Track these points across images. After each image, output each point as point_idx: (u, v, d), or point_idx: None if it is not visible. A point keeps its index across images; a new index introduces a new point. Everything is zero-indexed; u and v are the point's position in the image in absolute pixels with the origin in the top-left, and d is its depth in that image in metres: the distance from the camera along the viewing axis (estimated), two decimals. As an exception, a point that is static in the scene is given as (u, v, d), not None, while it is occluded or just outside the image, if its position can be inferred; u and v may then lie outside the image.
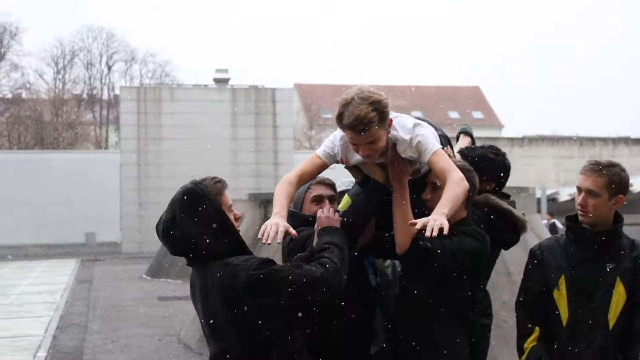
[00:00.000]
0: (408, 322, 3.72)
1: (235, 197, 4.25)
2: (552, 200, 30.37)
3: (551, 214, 27.14)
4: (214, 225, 3.27)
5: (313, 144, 44.01)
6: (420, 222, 3.15)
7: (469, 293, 3.70)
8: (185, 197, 3.34)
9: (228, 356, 3.31)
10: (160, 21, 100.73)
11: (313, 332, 3.56)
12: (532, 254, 3.81)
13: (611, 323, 3.34)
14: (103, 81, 64.01)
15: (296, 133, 35.74)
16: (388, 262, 4.03)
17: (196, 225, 3.26)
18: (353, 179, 4.02)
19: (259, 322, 3.24)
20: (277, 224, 3.22)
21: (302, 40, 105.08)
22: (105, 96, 62.96)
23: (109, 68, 63.92)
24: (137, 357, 10.48)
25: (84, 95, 63.05)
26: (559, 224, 24.92)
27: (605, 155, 41.50)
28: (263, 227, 3.24)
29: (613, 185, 3.41)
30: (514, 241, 4.14)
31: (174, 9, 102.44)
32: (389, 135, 3.42)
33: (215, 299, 3.25)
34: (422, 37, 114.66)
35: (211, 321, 3.37)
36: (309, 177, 3.64)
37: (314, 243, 3.48)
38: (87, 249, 31.91)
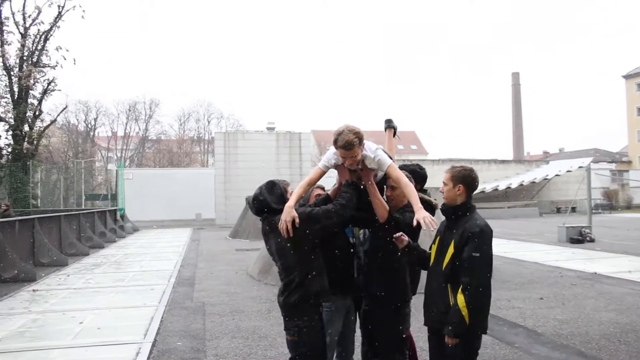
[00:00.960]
0: (373, 265, 3.64)
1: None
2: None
3: None
4: (280, 197, 3.48)
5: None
6: (419, 220, 3.16)
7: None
8: (268, 183, 3.56)
9: (293, 276, 3.38)
10: (236, 93, 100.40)
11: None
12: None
13: (444, 265, 3.27)
14: (205, 129, 64.17)
15: (312, 158, 35.75)
16: (361, 230, 3.85)
17: (271, 196, 3.48)
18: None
19: (311, 241, 3.36)
20: (286, 220, 3.27)
21: (317, 104, 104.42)
22: (206, 137, 62.98)
23: (209, 122, 64.04)
24: (224, 282, 10.50)
25: (195, 137, 63.27)
26: None
27: (483, 169, 41.47)
28: (280, 223, 3.30)
29: (455, 180, 3.36)
30: (432, 215, 3.64)
31: (245, 87, 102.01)
32: (362, 153, 3.39)
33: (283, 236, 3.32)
34: (382, 95, 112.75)
35: (283, 255, 3.42)
36: (315, 181, 3.58)
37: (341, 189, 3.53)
38: (196, 222, 32.03)
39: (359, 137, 3.30)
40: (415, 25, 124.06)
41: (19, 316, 7.61)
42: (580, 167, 36.81)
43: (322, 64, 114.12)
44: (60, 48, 32.23)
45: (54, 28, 32.18)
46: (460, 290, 3.15)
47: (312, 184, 3.59)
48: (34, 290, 9.77)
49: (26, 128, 31.88)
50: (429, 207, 3.79)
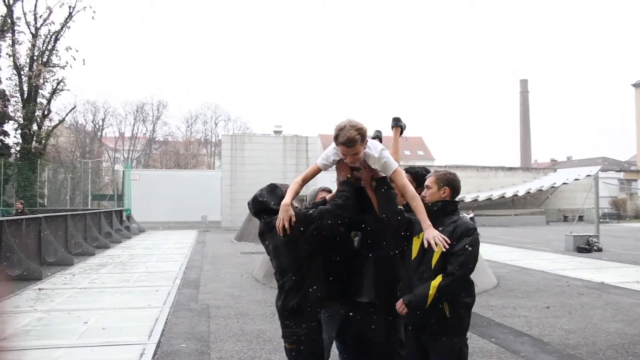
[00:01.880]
0: (366, 260, 3.43)
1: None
2: (460, 201, 30.42)
3: (472, 209, 26.74)
4: (280, 198, 3.29)
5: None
6: (428, 240, 3.02)
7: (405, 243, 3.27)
8: (269, 185, 3.47)
9: (290, 274, 3.26)
10: (244, 96, 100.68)
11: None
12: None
13: (433, 262, 3.06)
14: (212, 132, 64.34)
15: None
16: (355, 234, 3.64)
17: (272, 197, 3.37)
18: None
19: (306, 243, 3.20)
20: (283, 218, 3.15)
21: (324, 107, 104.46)
22: (213, 139, 63.16)
23: (216, 124, 64.13)
24: (229, 284, 10.51)
25: (202, 139, 63.45)
26: (472, 214, 24.92)
27: (490, 176, 41.52)
28: (277, 222, 3.19)
29: (440, 182, 3.24)
30: None
31: (252, 90, 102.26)
32: (365, 151, 3.18)
33: (279, 236, 3.21)
34: (390, 101, 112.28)
35: (277, 255, 3.31)
36: (309, 178, 3.40)
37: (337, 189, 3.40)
38: (202, 225, 32.19)
39: (361, 133, 3.09)
40: (424, 28, 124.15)
41: (25, 314, 7.64)
42: (588, 175, 36.69)
43: (329, 67, 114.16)
44: (70, 48, 32.56)
45: (64, 28, 32.50)
46: (441, 275, 3.01)
47: (307, 180, 3.42)
48: (39, 289, 9.80)
49: (35, 127, 32.13)
50: None
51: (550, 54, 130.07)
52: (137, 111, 60.53)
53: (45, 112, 32.81)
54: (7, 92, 31.43)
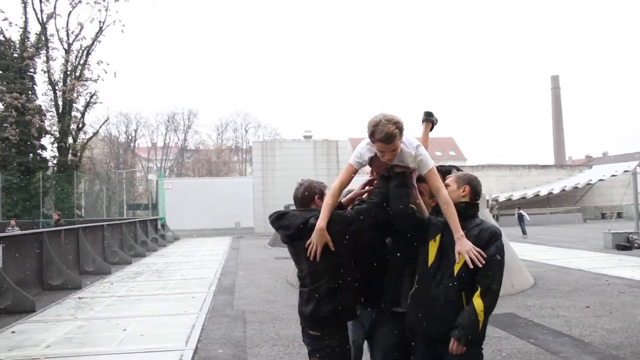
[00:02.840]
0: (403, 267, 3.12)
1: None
2: (495, 200, 30.00)
3: (519, 207, 26.07)
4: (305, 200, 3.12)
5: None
6: (461, 253, 2.81)
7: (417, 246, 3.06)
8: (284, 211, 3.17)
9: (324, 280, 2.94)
10: (273, 102, 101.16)
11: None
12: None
13: (456, 269, 2.85)
14: (243, 138, 64.97)
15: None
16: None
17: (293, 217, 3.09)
18: None
19: (344, 245, 2.94)
20: (317, 243, 2.90)
21: (354, 111, 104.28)
22: (244, 146, 63.68)
23: (246, 131, 64.83)
24: (264, 290, 10.56)
25: (233, 147, 64.04)
26: (523, 212, 24.39)
27: (523, 175, 40.86)
28: (309, 243, 2.93)
29: (460, 181, 3.06)
30: None
31: (281, 97, 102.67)
32: (401, 146, 2.93)
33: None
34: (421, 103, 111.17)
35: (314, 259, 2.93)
36: (347, 183, 3.07)
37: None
38: (236, 231, 32.39)
39: (399, 127, 2.83)
40: (454, 26, 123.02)
41: (66, 322, 7.81)
42: (625, 171, 35.79)
43: (357, 69, 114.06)
44: (101, 62, 33.49)
45: (95, 43, 33.41)
46: (478, 294, 2.80)
47: (345, 186, 3.09)
48: (79, 298, 10.02)
49: (70, 140, 33.01)
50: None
51: (582, 48, 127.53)
52: (168, 121, 61.72)
53: (80, 125, 33.70)
54: (43, 107, 32.41)
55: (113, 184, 43.91)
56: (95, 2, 32.99)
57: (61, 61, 32.91)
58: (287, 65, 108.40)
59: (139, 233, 21.32)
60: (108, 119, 44.37)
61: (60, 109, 32.70)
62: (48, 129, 32.45)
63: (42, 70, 32.54)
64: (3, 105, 30.52)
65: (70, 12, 33.15)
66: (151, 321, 7.82)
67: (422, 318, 2.92)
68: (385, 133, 2.79)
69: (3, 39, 31.23)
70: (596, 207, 39.28)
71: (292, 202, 3.24)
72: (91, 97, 33.51)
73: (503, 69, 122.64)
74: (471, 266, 2.77)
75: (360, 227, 2.96)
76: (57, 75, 32.80)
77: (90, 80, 33.45)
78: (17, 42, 31.75)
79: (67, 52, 32.95)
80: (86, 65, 33.35)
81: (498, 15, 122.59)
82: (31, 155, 31.83)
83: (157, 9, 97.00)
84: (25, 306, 8.80)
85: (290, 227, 3.06)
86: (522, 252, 14.81)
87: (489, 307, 2.79)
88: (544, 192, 37.31)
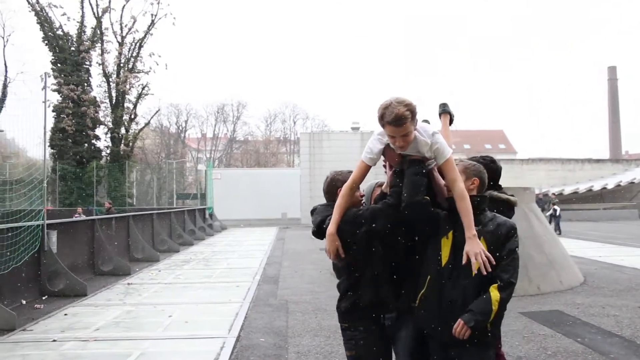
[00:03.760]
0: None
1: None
2: (545, 195, 29.07)
3: (554, 203, 25.28)
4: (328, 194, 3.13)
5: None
6: (469, 254, 2.64)
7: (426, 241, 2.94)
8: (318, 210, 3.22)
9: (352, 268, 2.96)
10: (321, 93, 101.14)
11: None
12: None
13: (475, 267, 2.64)
14: (291, 130, 65.22)
15: (396, 157, 35.83)
16: None
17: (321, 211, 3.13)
18: None
19: (358, 245, 2.87)
20: (329, 250, 2.92)
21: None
22: (292, 138, 63.95)
23: (294, 122, 65.04)
24: (308, 280, 10.61)
25: (281, 138, 64.45)
26: (557, 208, 23.69)
27: (575, 169, 39.52)
28: (326, 246, 2.93)
29: (469, 172, 2.89)
30: (511, 215, 3.29)
31: (329, 88, 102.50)
32: (415, 134, 2.74)
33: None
34: (470, 95, 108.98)
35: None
36: (359, 182, 2.94)
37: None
38: (282, 222, 32.73)
39: (410, 109, 2.64)
40: (511, 18, 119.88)
41: (115, 307, 8.07)
42: (686, 165, 34.13)
43: (404, 59, 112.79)
44: (153, 54, 34.23)
45: (147, 36, 34.19)
46: (496, 286, 2.68)
47: (357, 185, 2.95)
48: (128, 284, 10.32)
49: (123, 131, 33.94)
50: (507, 206, 3.37)
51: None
52: (217, 112, 62.48)
53: (132, 116, 34.63)
54: (97, 99, 33.45)
55: (163, 173, 44.90)
56: (148, -4, 33.75)
57: (115, 54, 33.86)
58: (336, 58, 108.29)
59: (188, 222, 21.76)
60: (159, 110, 45.49)
61: (114, 100, 33.70)
62: (102, 119, 33.51)
63: (97, 62, 33.60)
64: (61, 96, 31.66)
65: (124, 6, 34.08)
66: (196, 308, 7.98)
67: (438, 323, 2.79)
68: (395, 114, 2.63)
69: (62, 33, 32.34)
70: (654, 203, 37.65)
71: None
72: (143, 88, 34.36)
73: (557, 61, 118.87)
74: (475, 271, 2.64)
75: (372, 228, 2.83)
76: (111, 67, 33.81)
77: (142, 72, 34.30)
78: (74, 36, 32.82)
79: (121, 45, 33.87)
80: (138, 58, 34.20)
81: (556, 4, 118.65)
82: (86, 145, 32.91)
83: (207, 1, 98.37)
84: (77, 290, 9.13)
85: (314, 224, 3.11)
86: (572, 248, 14.34)
87: (505, 299, 2.68)
88: (597, 187, 35.94)
